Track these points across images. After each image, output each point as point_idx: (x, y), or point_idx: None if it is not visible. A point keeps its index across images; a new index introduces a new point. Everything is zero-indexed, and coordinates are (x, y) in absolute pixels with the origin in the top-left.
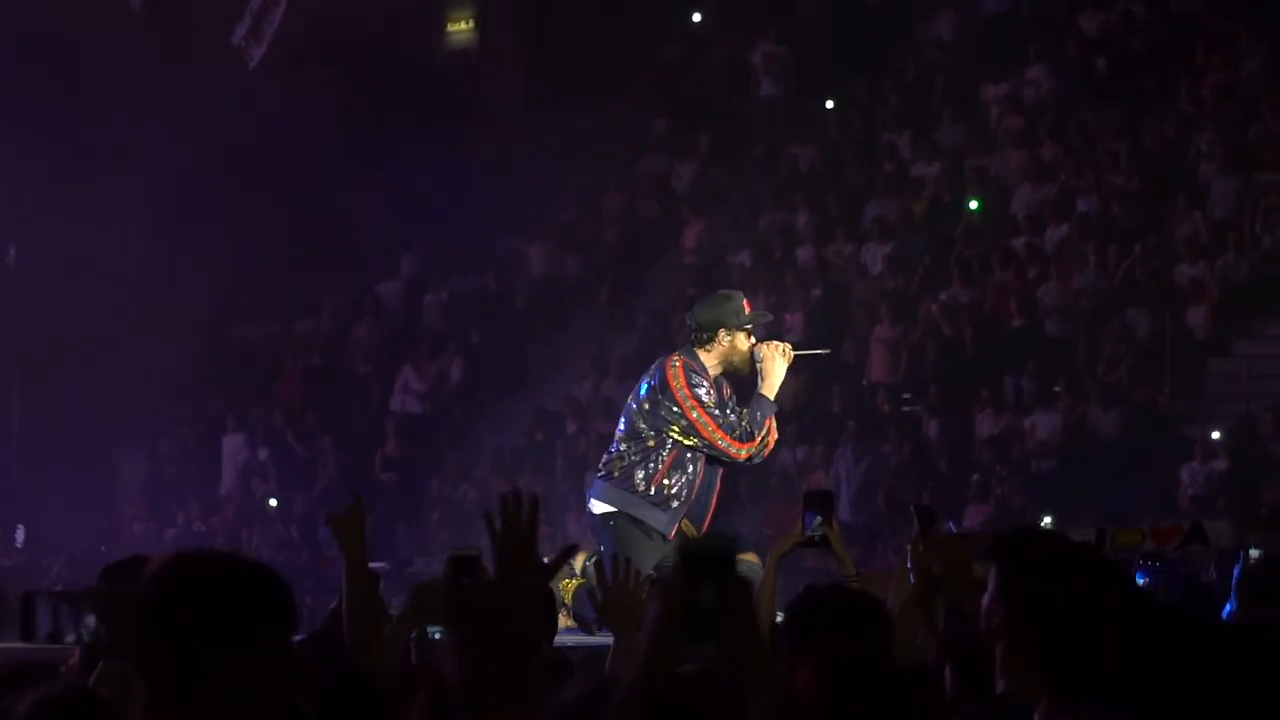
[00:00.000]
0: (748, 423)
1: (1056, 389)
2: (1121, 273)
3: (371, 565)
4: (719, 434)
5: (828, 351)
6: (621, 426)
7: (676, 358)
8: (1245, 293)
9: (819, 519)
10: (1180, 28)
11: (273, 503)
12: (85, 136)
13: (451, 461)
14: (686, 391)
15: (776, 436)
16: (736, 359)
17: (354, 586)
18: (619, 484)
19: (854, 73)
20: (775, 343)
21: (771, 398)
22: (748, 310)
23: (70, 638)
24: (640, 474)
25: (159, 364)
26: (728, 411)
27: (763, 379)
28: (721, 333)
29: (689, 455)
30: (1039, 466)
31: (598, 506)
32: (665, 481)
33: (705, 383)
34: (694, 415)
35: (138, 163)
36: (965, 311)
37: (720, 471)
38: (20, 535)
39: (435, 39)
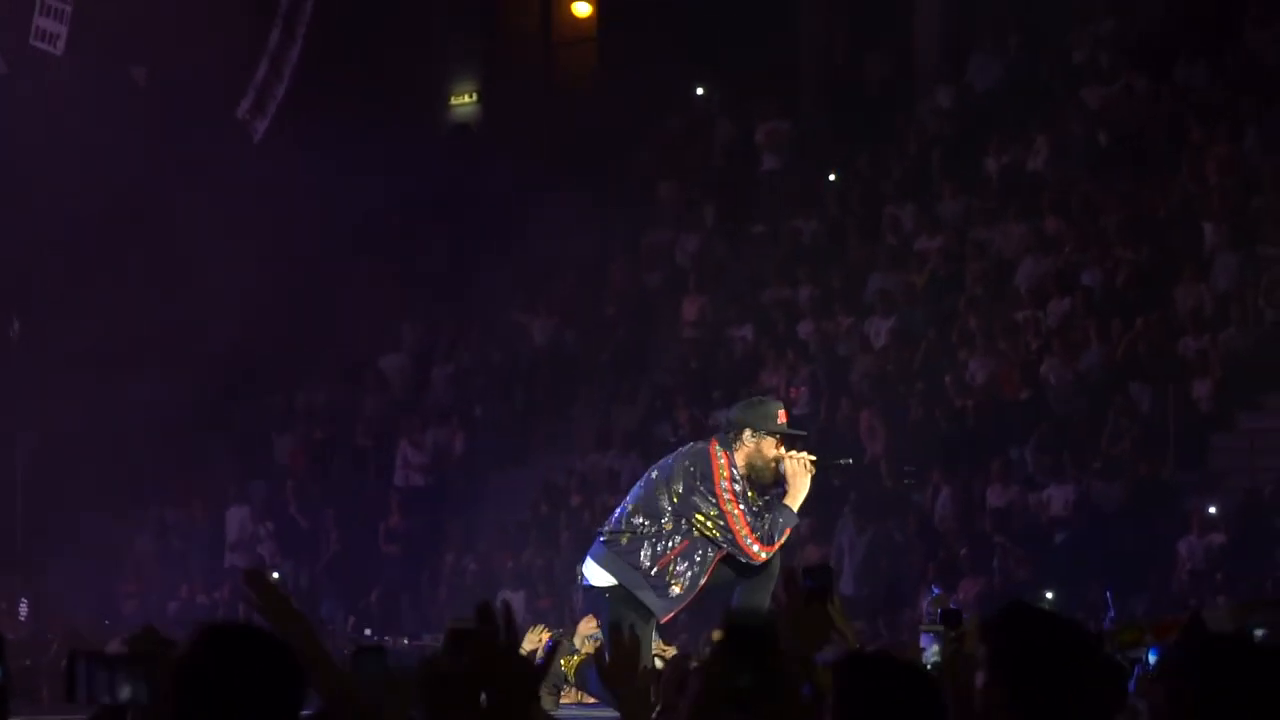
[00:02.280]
0: (770, 526)
1: (1060, 462)
2: (1124, 346)
3: (370, 642)
4: (747, 531)
5: (850, 462)
6: (635, 497)
7: (720, 451)
8: (1248, 366)
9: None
10: (1182, 101)
11: (275, 575)
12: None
13: (455, 535)
14: (728, 485)
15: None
16: (759, 464)
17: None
18: (623, 555)
19: (856, 146)
20: (800, 454)
21: (795, 509)
22: (782, 419)
23: (106, 699)
24: (646, 551)
25: (162, 434)
26: (756, 513)
27: (787, 490)
28: (748, 433)
29: (701, 548)
30: (1043, 540)
31: (595, 574)
32: (671, 567)
33: (741, 480)
34: (728, 509)
35: (139, 233)
36: (968, 385)
37: (727, 575)
38: (24, 609)
39: (439, 112)
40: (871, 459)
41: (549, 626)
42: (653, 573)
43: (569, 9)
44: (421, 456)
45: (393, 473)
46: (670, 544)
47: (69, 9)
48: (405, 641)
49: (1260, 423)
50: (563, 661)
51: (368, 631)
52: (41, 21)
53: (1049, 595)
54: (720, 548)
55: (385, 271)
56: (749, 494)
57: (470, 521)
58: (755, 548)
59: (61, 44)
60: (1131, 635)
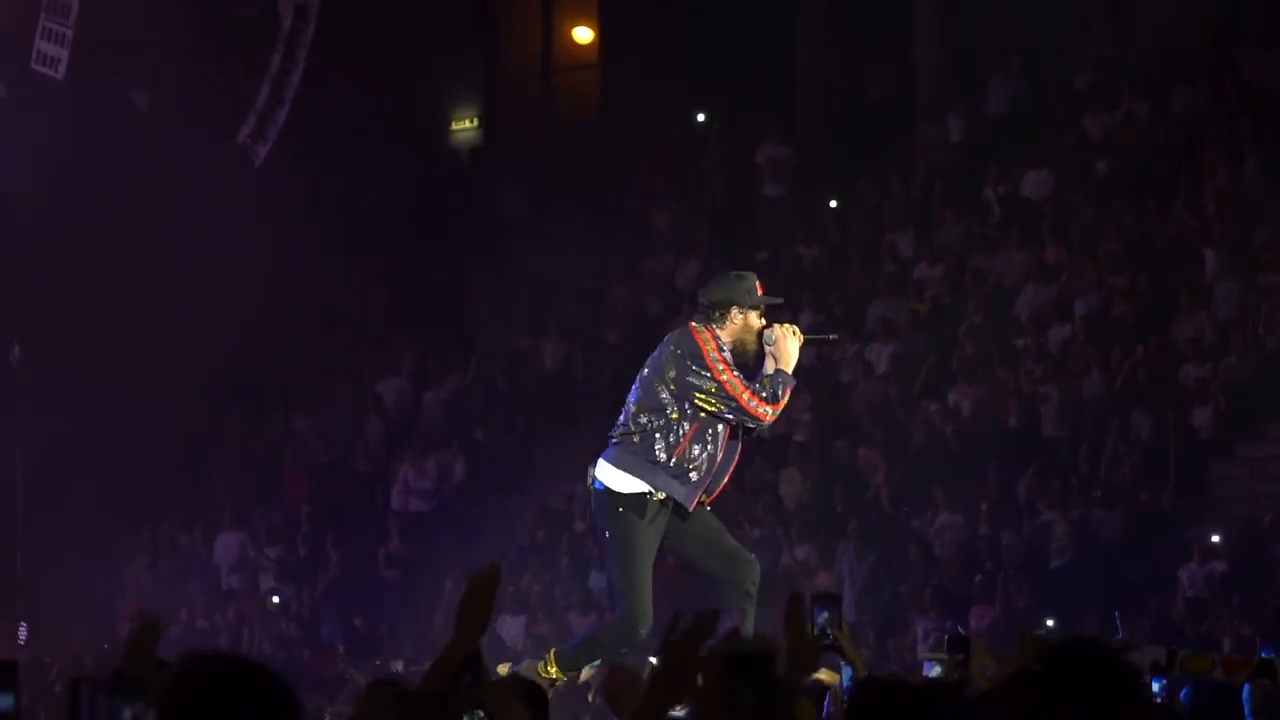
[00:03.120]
0: (772, 385)
1: (1059, 490)
2: (1124, 374)
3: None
4: (748, 394)
5: (836, 337)
6: (635, 399)
7: (703, 327)
8: (1249, 394)
9: (827, 618)
10: (1182, 128)
11: (275, 600)
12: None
13: (455, 559)
14: (718, 355)
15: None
16: (748, 338)
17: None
18: (639, 453)
19: (856, 172)
20: (785, 325)
21: (790, 372)
22: (760, 291)
23: None
24: (661, 444)
25: (160, 457)
26: (754, 377)
27: (777, 359)
28: (734, 310)
29: (711, 427)
30: (1043, 567)
31: (611, 476)
32: (687, 454)
33: (729, 351)
34: (724, 378)
35: (137, 257)
36: (968, 412)
37: (738, 447)
38: (23, 632)
39: (440, 137)
40: (874, 486)
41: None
42: (671, 464)
43: (570, 34)
44: (424, 481)
45: (391, 497)
46: (681, 431)
47: (70, 33)
48: (401, 667)
49: (1260, 451)
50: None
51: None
52: (42, 45)
53: (1049, 623)
54: (727, 419)
55: (385, 295)
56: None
57: (470, 546)
58: (762, 408)
59: (63, 68)
60: (1200, 665)
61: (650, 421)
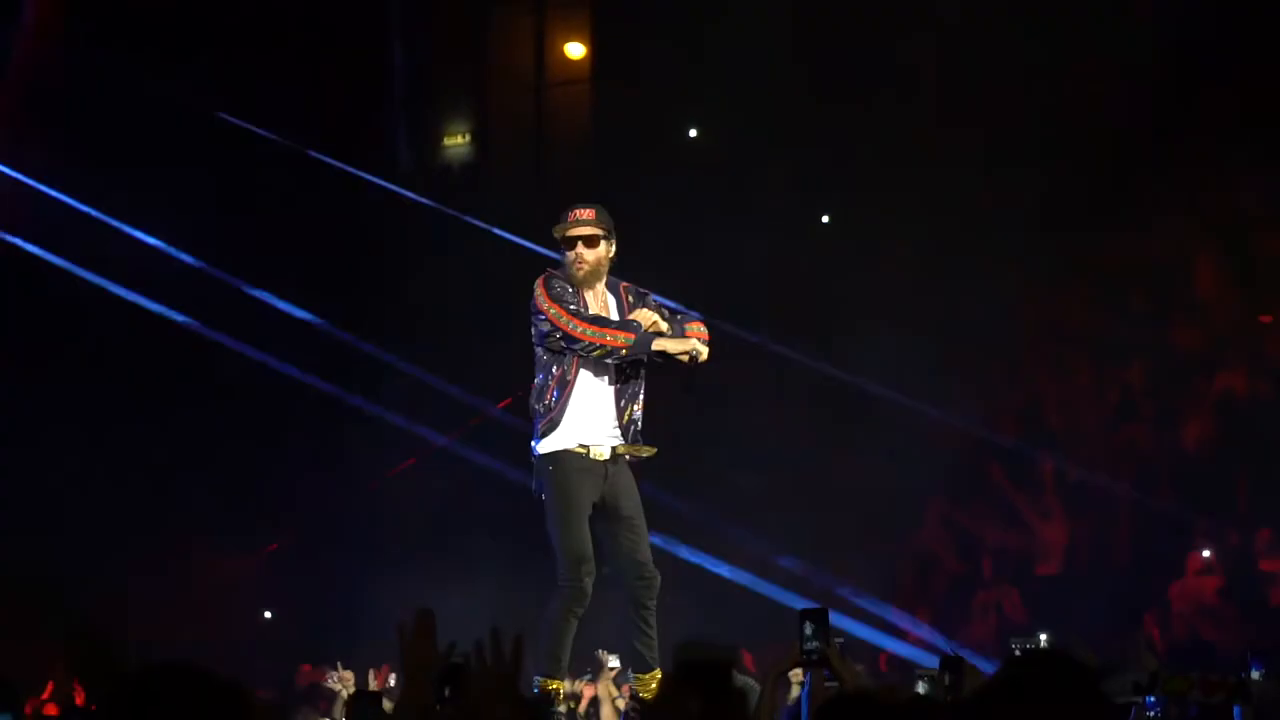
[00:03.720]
0: (601, 319)
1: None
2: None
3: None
4: (566, 317)
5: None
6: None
7: (539, 280)
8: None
9: (814, 631)
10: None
11: (267, 614)
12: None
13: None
14: (542, 292)
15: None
16: (574, 270)
17: None
18: (534, 426)
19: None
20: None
21: (644, 340)
22: (570, 221)
23: None
24: (539, 404)
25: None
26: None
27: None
28: (564, 248)
29: (558, 364)
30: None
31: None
32: (549, 401)
33: (563, 284)
34: (550, 311)
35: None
36: (971, 424)
37: (634, 385)
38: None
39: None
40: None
41: None
42: (540, 409)
43: (562, 50)
44: None
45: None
46: (547, 384)
47: None
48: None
49: None
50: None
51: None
52: None
53: (1042, 637)
54: (565, 353)
55: None
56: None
57: None
58: (576, 327)
59: None
60: (1179, 685)
61: (532, 388)
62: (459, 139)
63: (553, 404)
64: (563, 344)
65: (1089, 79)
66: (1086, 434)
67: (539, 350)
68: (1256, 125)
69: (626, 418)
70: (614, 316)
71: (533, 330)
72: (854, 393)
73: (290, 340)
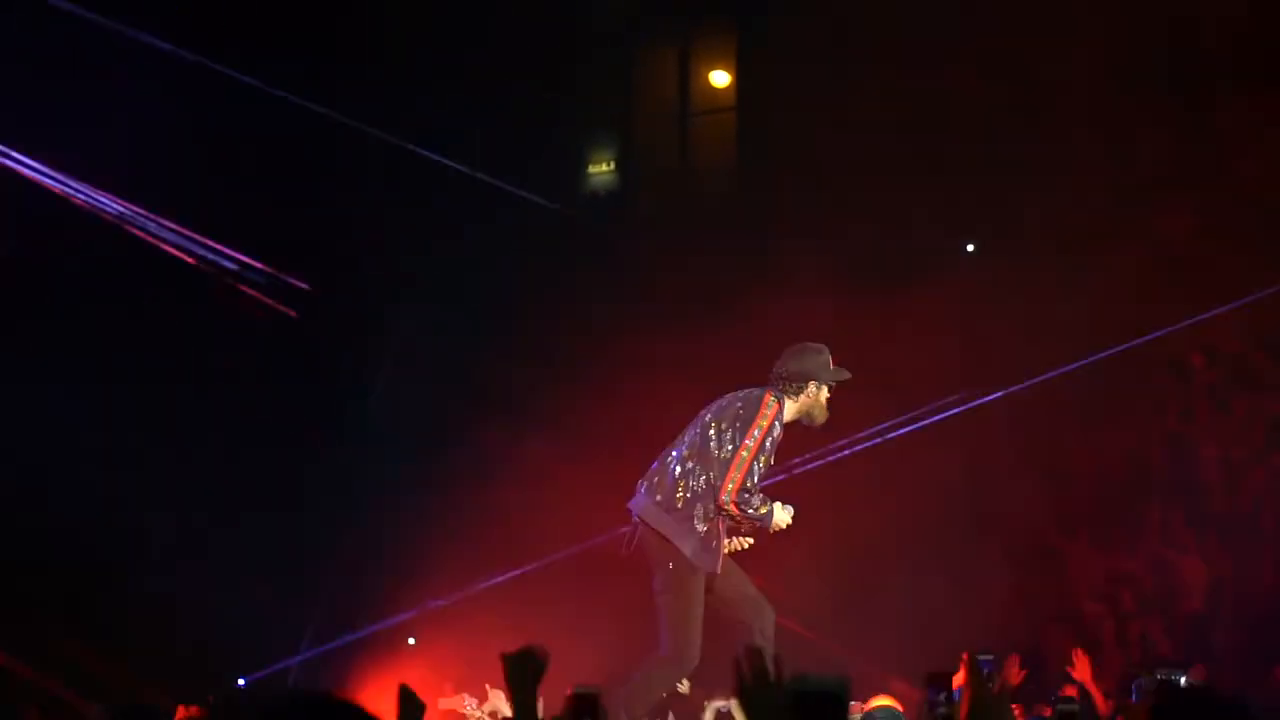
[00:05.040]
0: (753, 496)
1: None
2: None
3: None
4: (737, 476)
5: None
6: (689, 441)
7: (773, 400)
8: None
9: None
10: None
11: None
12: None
13: None
14: (760, 435)
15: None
16: (816, 412)
17: None
18: (681, 521)
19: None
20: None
21: (776, 521)
22: (832, 365)
23: None
24: (700, 512)
25: None
26: (757, 472)
27: (773, 516)
28: (812, 385)
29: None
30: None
31: (660, 525)
32: (716, 525)
33: (775, 435)
34: (741, 454)
35: None
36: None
37: None
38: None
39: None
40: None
41: None
42: (703, 533)
43: (707, 78)
44: None
45: None
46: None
47: None
48: None
49: None
50: None
51: None
52: None
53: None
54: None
55: None
56: (769, 459)
57: None
58: (735, 496)
59: None
60: None
61: (697, 481)
62: (603, 167)
63: (716, 537)
64: (719, 495)
65: None
66: (1235, 465)
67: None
68: None
69: None
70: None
71: (725, 428)
72: None
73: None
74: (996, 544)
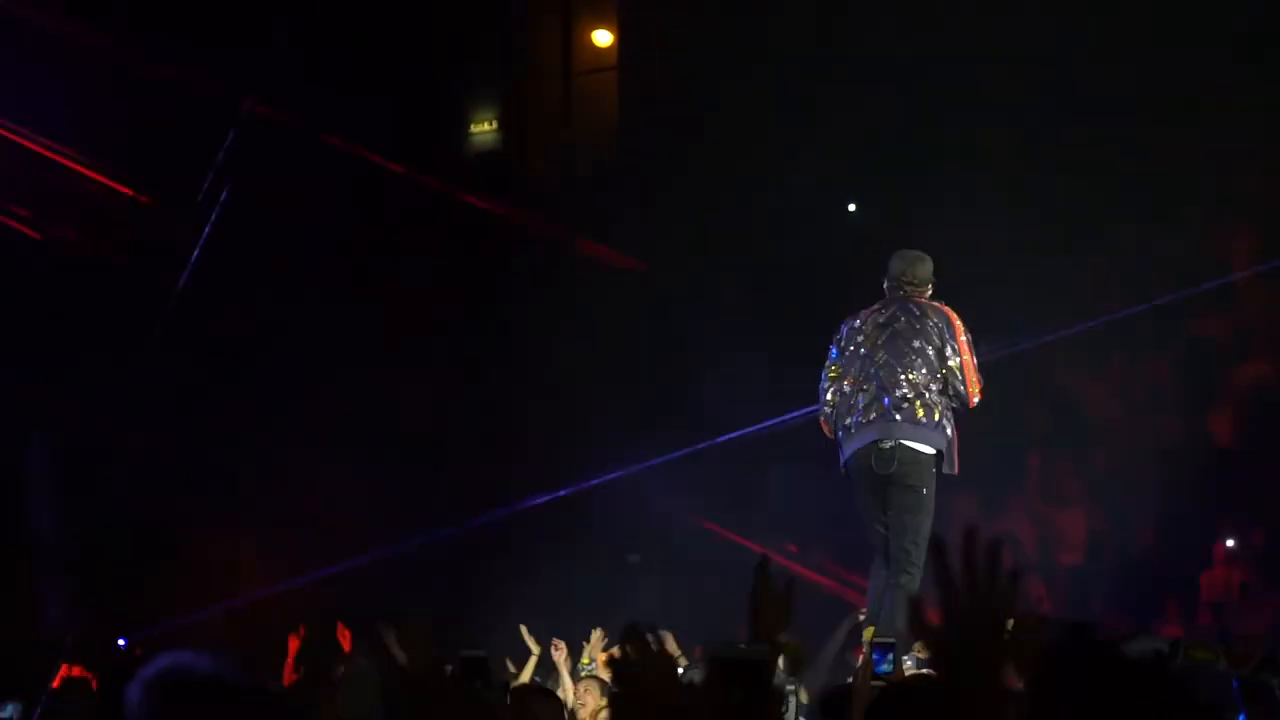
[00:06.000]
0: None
1: None
2: None
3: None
4: (975, 378)
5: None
6: (918, 360)
7: (940, 303)
8: None
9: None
10: None
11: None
12: None
13: None
14: (969, 336)
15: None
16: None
17: None
18: (935, 424)
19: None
20: None
21: None
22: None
23: None
24: (949, 419)
25: None
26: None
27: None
28: (928, 290)
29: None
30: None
31: (923, 438)
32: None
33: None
34: (966, 356)
35: None
36: None
37: None
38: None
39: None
40: None
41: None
42: (952, 438)
43: (590, 37)
44: None
45: None
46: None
47: None
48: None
49: None
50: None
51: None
52: None
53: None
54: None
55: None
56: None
57: None
58: (976, 393)
59: None
60: (1204, 654)
61: (932, 394)
62: (485, 126)
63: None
64: (960, 388)
65: None
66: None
67: (940, 370)
68: None
69: None
70: None
71: (943, 349)
72: None
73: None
74: None
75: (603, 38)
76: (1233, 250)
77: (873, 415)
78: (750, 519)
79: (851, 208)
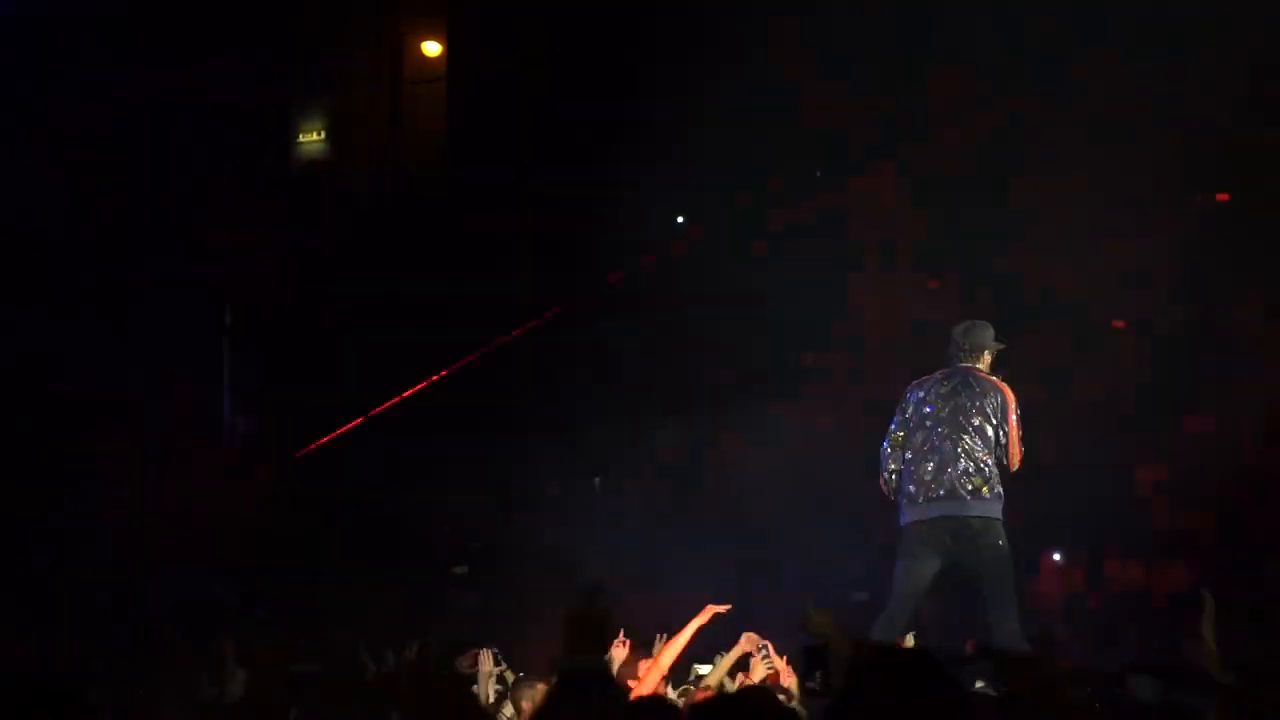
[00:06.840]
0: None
1: None
2: None
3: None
4: (1019, 448)
5: None
6: (977, 439)
7: (996, 378)
8: None
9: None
10: None
11: None
12: None
13: None
14: (1017, 415)
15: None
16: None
17: None
18: (998, 494)
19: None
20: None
21: None
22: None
23: None
24: (999, 490)
25: None
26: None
27: None
28: (986, 354)
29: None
30: None
31: (992, 510)
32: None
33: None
34: (1014, 432)
35: None
36: None
37: None
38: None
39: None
40: None
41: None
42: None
43: (419, 48)
44: None
45: None
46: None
47: None
48: None
49: None
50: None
51: None
52: None
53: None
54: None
55: None
56: None
57: None
58: (1017, 465)
59: None
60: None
61: (987, 466)
62: (313, 136)
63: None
64: (1004, 459)
65: None
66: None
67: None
68: None
69: None
70: None
71: (996, 421)
72: None
73: None
74: None
75: (432, 48)
76: None
77: (941, 491)
78: None
79: (680, 219)
